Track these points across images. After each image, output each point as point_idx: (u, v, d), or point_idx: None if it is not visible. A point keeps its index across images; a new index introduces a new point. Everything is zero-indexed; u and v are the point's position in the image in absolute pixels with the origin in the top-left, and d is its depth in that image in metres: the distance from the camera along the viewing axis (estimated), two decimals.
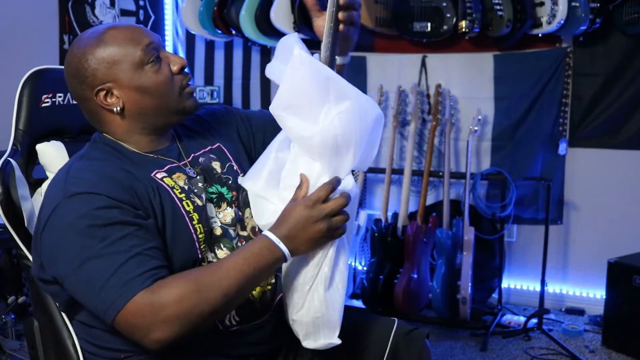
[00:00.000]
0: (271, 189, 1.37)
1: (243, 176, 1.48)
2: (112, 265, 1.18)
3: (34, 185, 1.57)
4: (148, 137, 1.40)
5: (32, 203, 1.53)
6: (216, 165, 1.47)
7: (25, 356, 2.58)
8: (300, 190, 1.30)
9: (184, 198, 1.35)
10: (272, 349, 1.48)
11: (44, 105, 1.57)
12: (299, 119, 1.30)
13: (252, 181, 1.39)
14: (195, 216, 1.34)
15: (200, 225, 1.34)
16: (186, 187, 1.37)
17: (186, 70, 1.41)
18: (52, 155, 1.56)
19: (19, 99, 1.55)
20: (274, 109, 1.32)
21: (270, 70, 1.39)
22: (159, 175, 1.36)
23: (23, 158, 1.55)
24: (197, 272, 1.25)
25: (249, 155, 1.61)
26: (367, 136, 1.32)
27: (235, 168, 1.51)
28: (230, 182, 1.47)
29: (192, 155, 1.45)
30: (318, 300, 1.31)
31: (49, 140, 1.57)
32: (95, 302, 1.20)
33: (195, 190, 1.38)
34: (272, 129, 1.58)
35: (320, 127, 1.28)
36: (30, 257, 1.46)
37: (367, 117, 1.31)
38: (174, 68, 1.37)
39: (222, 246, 1.39)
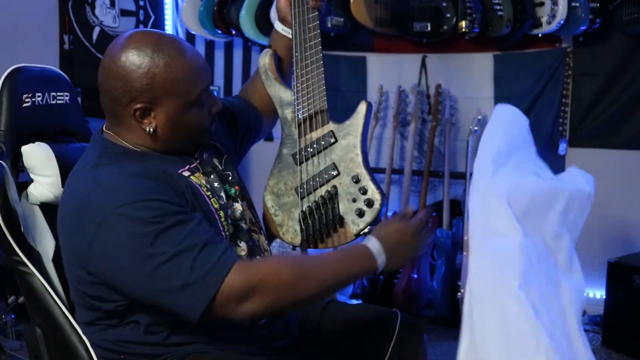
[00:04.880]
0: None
1: (234, 169, 1.50)
2: (185, 263, 1.19)
3: (18, 189, 1.51)
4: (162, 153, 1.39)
5: (21, 207, 1.49)
6: (216, 162, 1.47)
7: (25, 356, 2.58)
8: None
9: (210, 196, 1.36)
10: (287, 344, 1.51)
11: (25, 105, 1.53)
12: None
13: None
14: (222, 214, 1.36)
15: (225, 222, 1.36)
16: (209, 186, 1.38)
17: None
18: (40, 157, 1.51)
19: None
20: None
21: None
22: (186, 173, 1.36)
23: (9, 160, 1.50)
24: (298, 259, 1.35)
25: (232, 148, 1.62)
26: None
27: (230, 161, 1.51)
28: (230, 177, 1.48)
29: (197, 153, 1.45)
30: None
31: (32, 142, 1.52)
32: (177, 302, 1.20)
33: (216, 189, 1.39)
34: (253, 119, 1.67)
35: None
36: (28, 264, 1.44)
37: None
38: (213, 110, 1.39)
39: (239, 242, 1.41)
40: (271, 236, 1.61)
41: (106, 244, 1.22)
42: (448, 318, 3.22)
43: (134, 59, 1.27)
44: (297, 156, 1.54)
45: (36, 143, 1.52)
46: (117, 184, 1.25)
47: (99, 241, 1.23)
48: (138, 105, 1.29)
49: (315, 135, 1.53)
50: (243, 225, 1.44)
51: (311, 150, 1.53)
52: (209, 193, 1.36)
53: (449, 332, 3.24)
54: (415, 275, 3.23)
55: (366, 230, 1.48)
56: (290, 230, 1.54)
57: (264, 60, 1.60)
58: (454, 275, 3.20)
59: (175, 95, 1.29)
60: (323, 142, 1.52)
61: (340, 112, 1.63)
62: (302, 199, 1.52)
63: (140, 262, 1.20)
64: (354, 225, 1.49)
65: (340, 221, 1.49)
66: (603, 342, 3.08)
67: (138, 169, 1.29)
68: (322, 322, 1.61)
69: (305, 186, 1.52)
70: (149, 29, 1.24)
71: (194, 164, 1.40)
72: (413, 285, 3.21)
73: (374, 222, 1.47)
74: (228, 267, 1.20)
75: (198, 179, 1.36)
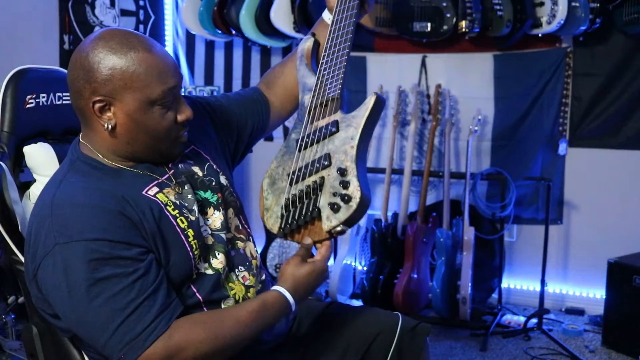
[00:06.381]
0: None
1: (222, 175, 1.47)
2: (111, 324, 1.18)
3: (21, 189, 1.52)
4: (129, 161, 1.35)
5: (22, 207, 1.49)
6: (196, 169, 1.43)
7: (25, 356, 2.58)
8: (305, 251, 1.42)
9: (177, 215, 1.31)
10: (277, 344, 1.50)
11: (28, 106, 1.53)
12: None
13: None
14: (191, 232, 1.31)
15: (195, 241, 1.32)
16: (178, 203, 1.33)
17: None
18: (42, 157, 1.51)
19: (2, 99, 1.50)
20: None
21: None
22: (151, 192, 1.31)
23: (10, 161, 1.51)
24: (214, 321, 1.27)
25: (226, 150, 1.59)
26: None
27: (214, 167, 1.47)
28: (213, 183, 1.43)
29: (171, 163, 1.39)
30: None
31: (35, 142, 1.53)
32: (100, 349, 1.23)
33: (186, 204, 1.34)
34: (260, 116, 1.63)
35: None
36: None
37: None
38: (180, 118, 1.32)
39: (216, 254, 1.37)
40: (270, 238, 1.59)
41: (47, 276, 1.23)
42: (448, 318, 3.23)
43: (98, 52, 1.25)
44: (300, 142, 1.48)
45: (38, 143, 1.53)
46: (67, 216, 1.22)
47: (41, 273, 1.24)
48: (97, 98, 1.25)
49: (322, 123, 1.47)
50: (223, 235, 1.39)
51: (314, 137, 1.46)
52: (175, 212, 1.31)
53: (449, 332, 3.25)
54: (415, 275, 3.23)
55: (339, 229, 1.39)
56: (274, 216, 1.47)
57: (305, 44, 1.59)
58: (454, 275, 3.20)
59: (135, 89, 1.25)
60: (325, 131, 1.45)
61: None
62: (290, 185, 1.46)
63: (69, 306, 1.21)
64: (327, 220, 1.39)
65: (318, 214, 1.41)
66: (603, 342, 3.08)
67: (96, 198, 1.24)
68: (321, 324, 1.60)
69: (297, 173, 1.46)
70: (119, 27, 1.19)
71: (166, 176, 1.36)
72: (413, 285, 3.21)
73: (350, 222, 1.38)
74: (151, 340, 1.19)
75: (166, 196, 1.31)
